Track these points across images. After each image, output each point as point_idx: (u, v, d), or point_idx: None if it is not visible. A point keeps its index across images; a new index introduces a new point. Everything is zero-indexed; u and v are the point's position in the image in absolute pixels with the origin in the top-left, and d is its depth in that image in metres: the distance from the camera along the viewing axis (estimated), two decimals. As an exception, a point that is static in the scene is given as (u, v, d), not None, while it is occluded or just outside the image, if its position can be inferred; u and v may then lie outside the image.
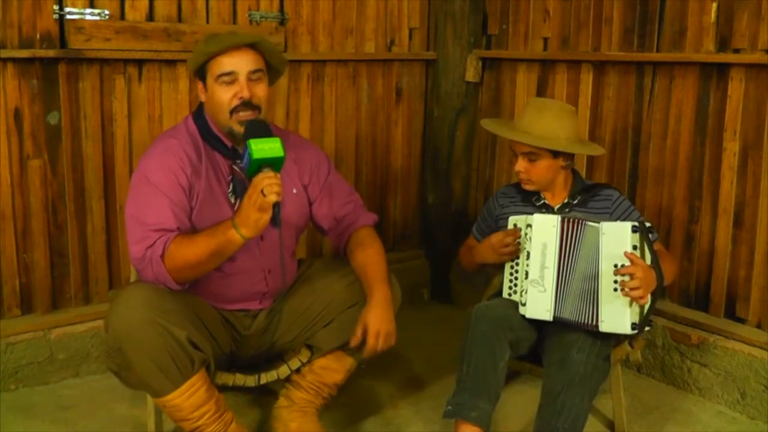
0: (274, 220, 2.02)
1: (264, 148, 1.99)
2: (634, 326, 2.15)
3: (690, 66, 2.86)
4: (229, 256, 2.10)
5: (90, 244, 2.89)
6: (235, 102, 2.13)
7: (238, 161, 2.18)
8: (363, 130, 3.55)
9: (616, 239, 2.17)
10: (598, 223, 2.21)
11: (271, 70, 2.24)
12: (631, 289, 2.12)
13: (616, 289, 2.16)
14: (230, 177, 2.20)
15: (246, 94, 2.12)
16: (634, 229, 2.16)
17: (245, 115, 2.13)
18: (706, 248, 2.87)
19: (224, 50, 2.12)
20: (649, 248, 2.19)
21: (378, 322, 2.17)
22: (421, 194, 3.82)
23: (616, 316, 2.16)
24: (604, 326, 2.17)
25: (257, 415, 2.59)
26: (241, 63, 2.13)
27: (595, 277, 2.19)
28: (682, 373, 2.87)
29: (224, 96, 2.13)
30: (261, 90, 2.17)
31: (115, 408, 2.64)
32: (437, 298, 3.81)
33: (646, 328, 2.23)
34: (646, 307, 2.17)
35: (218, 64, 2.13)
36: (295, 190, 2.31)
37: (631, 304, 2.15)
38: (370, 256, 2.31)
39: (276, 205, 1.99)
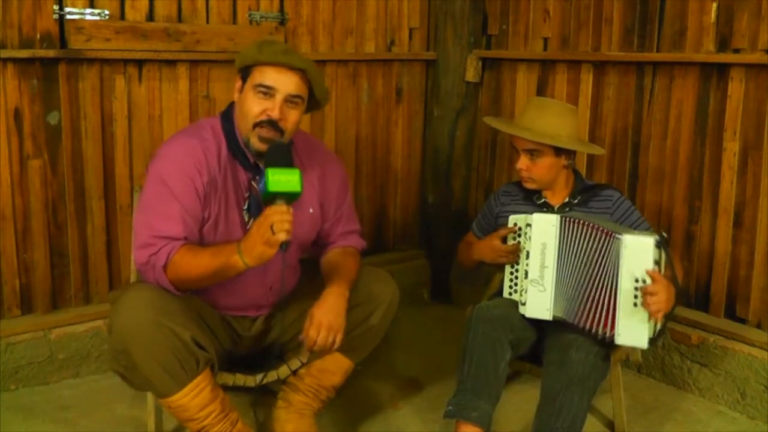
0: (281, 249, 1.94)
1: (281, 180, 1.92)
2: (651, 341, 2.14)
3: (690, 66, 2.86)
4: (230, 277, 2.06)
5: (90, 244, 2.89)
6: (263, 117, 2.07)
7: (258, 177, 2.12)
8: (363, 130, 3.55)
9: (638, 254, 2.12)
10: (621, 234, 2.15)
11: (312, 99, 2.17)
12: (651, 305, 2.08)
13: (635, 304, 2.12)
14: (248, 194, 2.16)
15: (276, 114, 2.06)
16: (657, 244, 2.11)
17: (267, 134, 2.07)
18: (706, 248, 2.87)
19: (273, 64, 2.06)
20: (668, 262, 2.15)
21: (322, 314, 2.08)
22: (421, 194, 3.82)
23: (634, 331, 2.14)
24: (621, 339, 2.15)
25: (258, 416, 2.59)
26: (284, 83, 2.06)
27: (613, 288, 2.16)
28: (682, 373, 2.88)
29: (254, 107, 2.08)
30: (293, 116, 2.10)
31: (115, 408, 2.64)
32: (437, 298, 3.81)
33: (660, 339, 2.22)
34: (660, 322, 2.16)
35: (262, 74, 2.07)
36: (311, 210, 2.27)
37: (648, 320, 2.12)
38: (345, 262, 2.27)
39: (283, 244, 1.92)
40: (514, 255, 2.35)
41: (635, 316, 2.13)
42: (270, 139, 2.08)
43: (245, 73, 2.12)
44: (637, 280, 2.12)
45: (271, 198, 1.93)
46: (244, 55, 2.11)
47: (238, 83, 2.15)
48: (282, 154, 2.02)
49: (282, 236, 1.90)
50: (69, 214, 2.83)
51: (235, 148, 2.15)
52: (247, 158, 2.16)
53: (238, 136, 2.15)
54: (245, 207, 2.16)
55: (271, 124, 2.07)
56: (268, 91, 2.07)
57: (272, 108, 2.06)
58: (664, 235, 2.16)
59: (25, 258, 2.77)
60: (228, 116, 2.19)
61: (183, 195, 2.06)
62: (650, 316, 2.11)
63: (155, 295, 2.00)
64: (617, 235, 2.15)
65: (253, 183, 2.15)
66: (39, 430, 2.50)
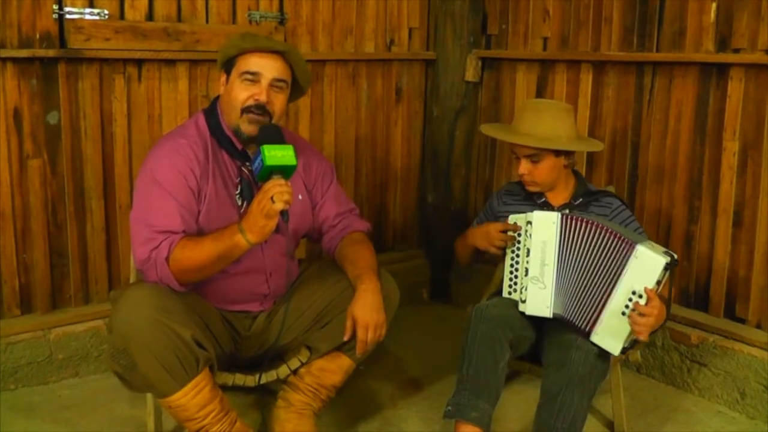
0: (283, 218, 2.02)
1: (277, 155, 2.00)
2: (623, 350, 2.17)
3: (690, 66, 2.86)
4: (234, 260, 2.10)
5: (90, 244, 2.89)
6: (250, 102, 2.13)
7: (248, 163, 2.19)
8: (363, 130, 3.55)
9: (645, 268, 2.11)
10: (635, 243, 2.13)
11: (295, 86, 2.24)
12: (638, 324, 2.08)
13: (624, 313, 2.13)
14: (239, 179, 2.20)
15: (263, 98, 2.12)
16: (667, 267, 2.10)
17: (256, 118, 2.13)
18: (706, 248, 2.87)
19: (257, 50, 2.13)
20: (669, 285, 2.17)
21: (366, 313, 2.13)
22: (421, 194, 3.82)
23: (612, 336, 2.15)
24: (596, 338, 2.17)
25: (257, 416, 2.59)
26: (268, 67, 2.13)
27: (608, 290, 2.16)
28: (682, 373, 2.88)
29: (241, 93, 2.13)
30: (279, 100, 2.17)
31: (115, 408, 2.64)
32: (437, 298, 3.81)
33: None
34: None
35: (246, 62, 2.14)
36: (300, 196, 2.31)
37: (628, 333, 2.14)
38: (360, 251, 2.31)
39: (284, 213, 2.00)
40: (507, 243, 2.36)
41: (618, 324, 2.14)
42: (260, 122, 2.14)
43: (228, 65, 2.19)
44: (634, 293, 2.12)
45: (268, 174, 2.01)
46: (228, 47, 2.18)
47: (223, 77, 2.22)
48: (274, 132, 2.10)
49: (281, 205, 1.97)
50: (68, 214, 2.83)
51: (222, 138, 2.20)
52: (234, 146, 2.20)
53: (225, 127, 2.20)
54: (237, 192, 2.20)
55: (260, 108, 2.13)
56: (254, 78, 2.13)
57: (259, 92, 2.13)
58: (675, 256, 2.14)
59: (25, 258, 2.77)
60: (212, 111, 2.25)
61: (177, 192, 2.09)
62: (631, 331, 2.12)
63: (155, 294, 2.00)
64: (631, 242, 2.14)
65: (243, 168, 2.20)
66: (39, 430, 2.50)
